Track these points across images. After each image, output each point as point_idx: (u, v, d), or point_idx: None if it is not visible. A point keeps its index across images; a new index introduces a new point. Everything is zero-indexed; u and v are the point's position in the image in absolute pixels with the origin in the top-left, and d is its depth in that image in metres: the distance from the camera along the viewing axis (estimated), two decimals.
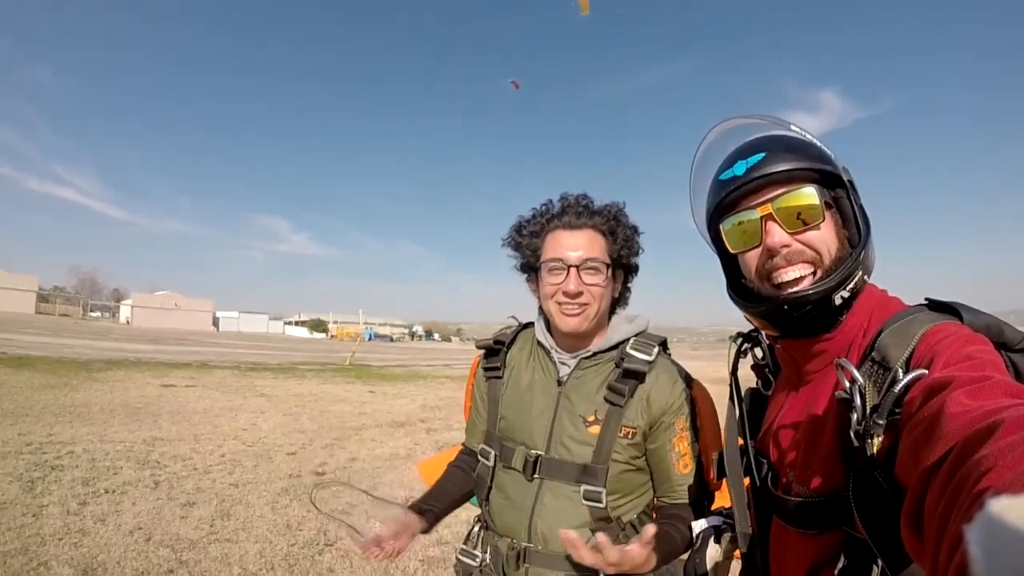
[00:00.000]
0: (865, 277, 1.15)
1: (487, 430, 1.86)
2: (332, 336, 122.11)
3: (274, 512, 5.58)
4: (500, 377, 1.85)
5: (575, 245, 1.68)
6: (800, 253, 1.15)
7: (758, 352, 1.44)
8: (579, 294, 1.65)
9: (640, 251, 1.80)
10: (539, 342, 1.82)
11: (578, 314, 1.67)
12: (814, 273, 1.15)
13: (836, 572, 1.08)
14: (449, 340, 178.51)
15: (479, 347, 1.94)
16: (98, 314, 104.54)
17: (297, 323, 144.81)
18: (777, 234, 1.15)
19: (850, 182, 1.17)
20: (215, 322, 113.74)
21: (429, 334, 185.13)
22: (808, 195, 1.14)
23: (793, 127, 1.24)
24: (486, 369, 1.90)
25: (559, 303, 1.68)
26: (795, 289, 1.14)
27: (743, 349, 1.44)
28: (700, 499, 1.68)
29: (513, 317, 1.97)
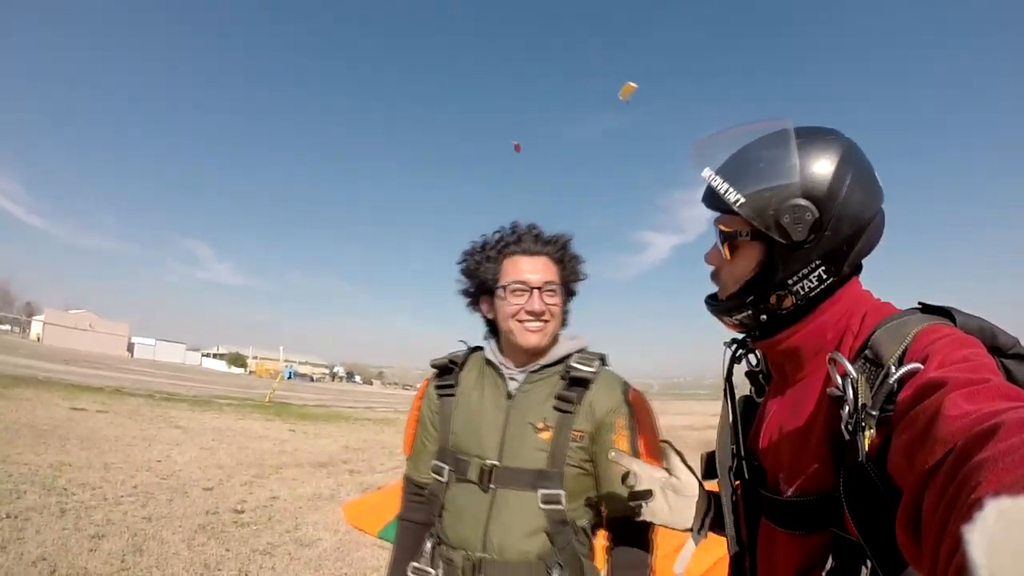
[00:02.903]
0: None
1: (440, 447, 1.92)
2: (251, 372, 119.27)
3: (190, 550, 5.30)
4: (452, 395, 1.93)
5: (534, 269, 1.84)
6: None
7: (752, 359, 1.45)
8: (542, 312, 1.80)
9: (583, 277, 1.97)
10: (489, 361, 1.92)
11: (539, 331, 1.81)
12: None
13: (824, 574, 1.08)
14: (370, 383, 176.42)
15: (434, 365, 2.01)
16: (7, 327, 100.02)
17: (215, 356, 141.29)
18: None
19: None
20: (130, 347, 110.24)
21: (351, 375, 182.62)
22: None
23: None
24: (439, 387, 1.97)
25: (521, 321, 1.81)
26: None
27: (737, 355, 1.44)
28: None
29: (462, 341, 2.05)
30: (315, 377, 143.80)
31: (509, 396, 1.84)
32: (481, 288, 1.92)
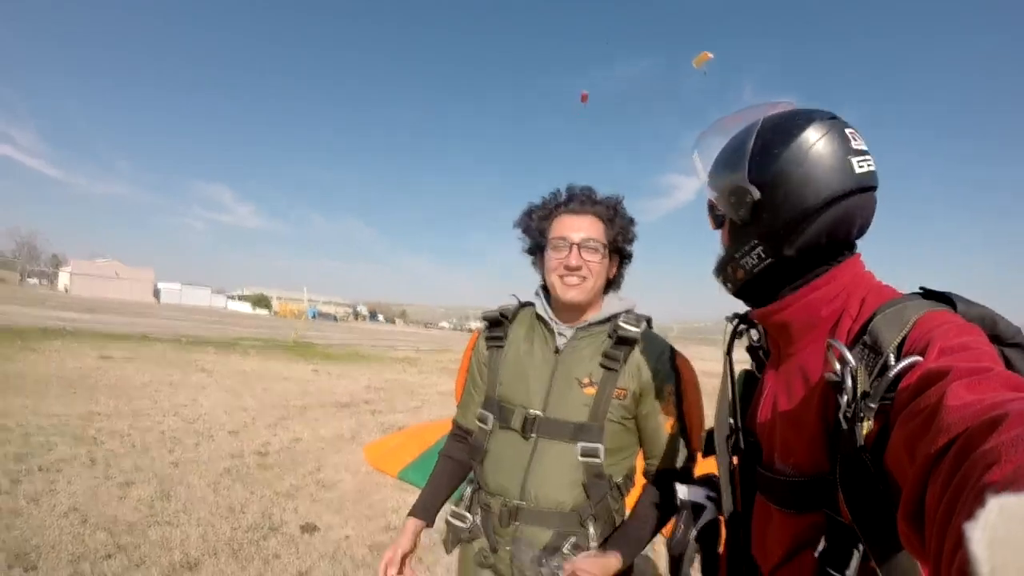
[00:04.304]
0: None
1: (487, 396, 1.98)
2: (275, 313, 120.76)
3: (216, 494, 5.48)
4: (501, 346, 1.99)
5: (578, 227, 1.86)
6: None
7: (753, 334, 1.48)
8: (578, 268, 1.82)
9: (634, 239, 1.98)
10: (539, 316, 1.97)
11: (577, 285, 1.83)
12: None
13: (816, 555, 1.10)
14: (393, 322, 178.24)
15: (484, 317, 2.07)
16: (35, 280, 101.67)
17: (240, 298, 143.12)
18: None
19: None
20: (156, 293, 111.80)
21: (374, 315, 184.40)
22: None
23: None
24: (489, 338, 2.02)
25: (560, 276, 1.84)
26: None
27: (739, 330, 1.47)
28: (685, 461, 1.84)
29: (514, 295, 2.11)
30: (338, 317, 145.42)
31: (557, 351, 1.89)
32: (536, 245, 1.98)
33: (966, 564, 0.44)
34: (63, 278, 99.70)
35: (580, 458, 1.77)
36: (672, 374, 1.84)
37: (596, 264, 1.84)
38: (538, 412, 1.82)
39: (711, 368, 1.73)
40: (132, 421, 8.02)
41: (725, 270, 1.30)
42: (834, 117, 1.18)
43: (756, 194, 1.17)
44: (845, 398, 0.97)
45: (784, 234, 1.16)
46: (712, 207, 1.36)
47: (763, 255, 1.20)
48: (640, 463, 1.93)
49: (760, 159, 1.18)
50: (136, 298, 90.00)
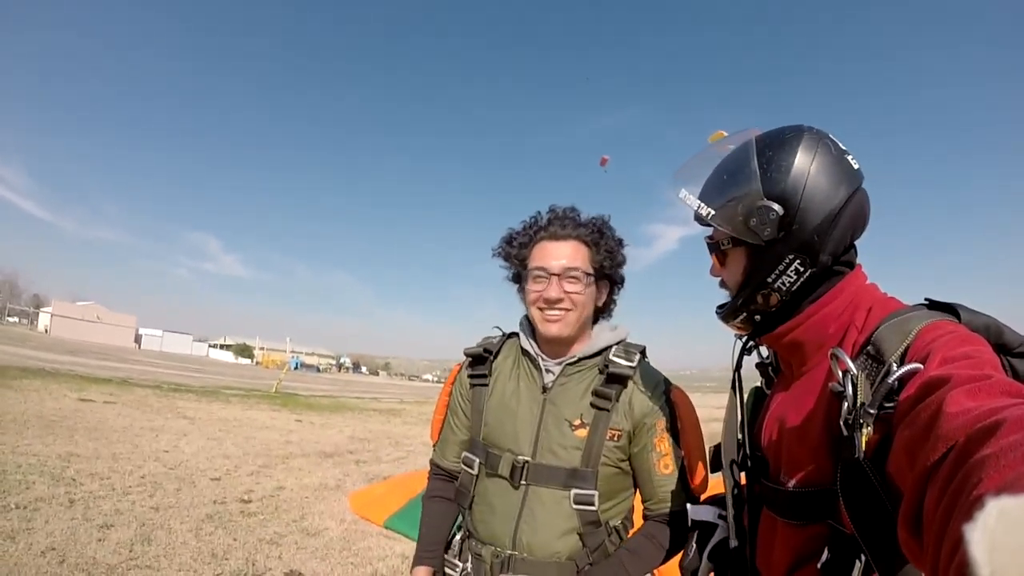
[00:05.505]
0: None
1: (471, 438, 1.86)
2: (257, 363, 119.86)
3: (198, 539, 5.33)
4: (486, 385, 1.86)
5: (559, 255, 1.74)
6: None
7: (763, 351, 1.48)
8: (559, 300, 1.71)
9: (624, 262, 1.86)
10: (524, 350, 1.85)
11: (558, 320, 1.72)
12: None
13: (819, 566, 1.10)
14: (377, 374, 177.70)
15: (467, 354, 1.92)
16: (15, 319, 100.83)
17: (222, 346, 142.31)
18: None
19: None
20: (137, 339, 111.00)
21: (357, 366, 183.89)
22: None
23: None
24: (472, 376, 1.89)
25: (540, 309, 1.74)
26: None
27: (748, 348, 1.45)
28: (683, 501, 1.70)
29: (497, 327, 1.99)
30: (322, 368, 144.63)
31: (545, 389, 1.77)
32: (518, 275, 1.86)
33: (965, 567, 0.45)
34: (43, 319, 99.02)
35: (574, 506, 1.66)
36: (667, 408, 1.73)
37: (579, 295, 1.72)
38: (527, 458, 1.70)
39: (700, 415, 1.70)
40: (112, 464, 7.84)
41: (753, 301, 1.27)
42: (811, 127, 1.23)
43: (779, 209, 1.17)
44: (846, 405, 0.98)
45: (818, 240, 1.17)
46: (717, 244, 1.33)
47: (801, 268, 1.19)
48: (639, 504, 1.81)
49: (772, 175, 1.19)
50: (117, 343, 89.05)
